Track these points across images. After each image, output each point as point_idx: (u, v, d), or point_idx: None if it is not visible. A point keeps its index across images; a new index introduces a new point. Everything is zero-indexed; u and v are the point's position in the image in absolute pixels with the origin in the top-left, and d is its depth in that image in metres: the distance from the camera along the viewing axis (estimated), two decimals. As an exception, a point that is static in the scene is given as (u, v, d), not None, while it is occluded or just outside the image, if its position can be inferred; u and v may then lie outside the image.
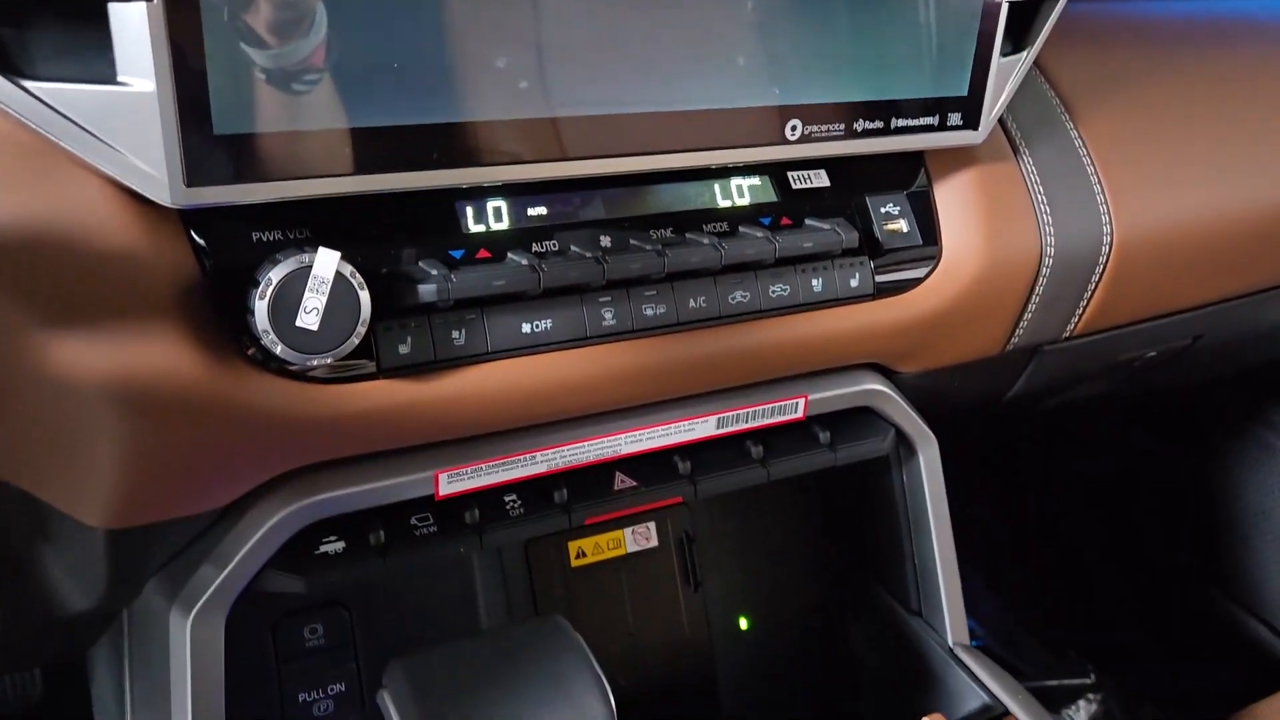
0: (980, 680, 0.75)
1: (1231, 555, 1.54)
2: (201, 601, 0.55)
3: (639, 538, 0.80)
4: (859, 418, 0.74)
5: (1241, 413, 1.49)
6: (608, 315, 0.58)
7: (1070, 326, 0.80)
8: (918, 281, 0.70)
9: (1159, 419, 1.56)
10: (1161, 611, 1.62)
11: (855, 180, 0.68)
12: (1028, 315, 0.76)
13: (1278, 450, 1.47)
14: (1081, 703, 1.39)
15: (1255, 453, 1.49)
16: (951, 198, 0.71)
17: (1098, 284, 0.77)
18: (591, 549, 0.78)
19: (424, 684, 0.50)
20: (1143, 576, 1.63)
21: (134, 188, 0.46)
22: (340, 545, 0.58)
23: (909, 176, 0.71)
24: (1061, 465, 1.66)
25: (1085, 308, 0.79)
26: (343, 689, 0.68)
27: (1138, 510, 1.63)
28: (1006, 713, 0.73)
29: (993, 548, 1.72)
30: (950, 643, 0.78)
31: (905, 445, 0.77)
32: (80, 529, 0.52)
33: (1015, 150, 0.74)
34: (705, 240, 0.60)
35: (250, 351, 0.50)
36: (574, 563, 0.78)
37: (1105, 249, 0.76)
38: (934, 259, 0.70)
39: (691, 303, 0.61)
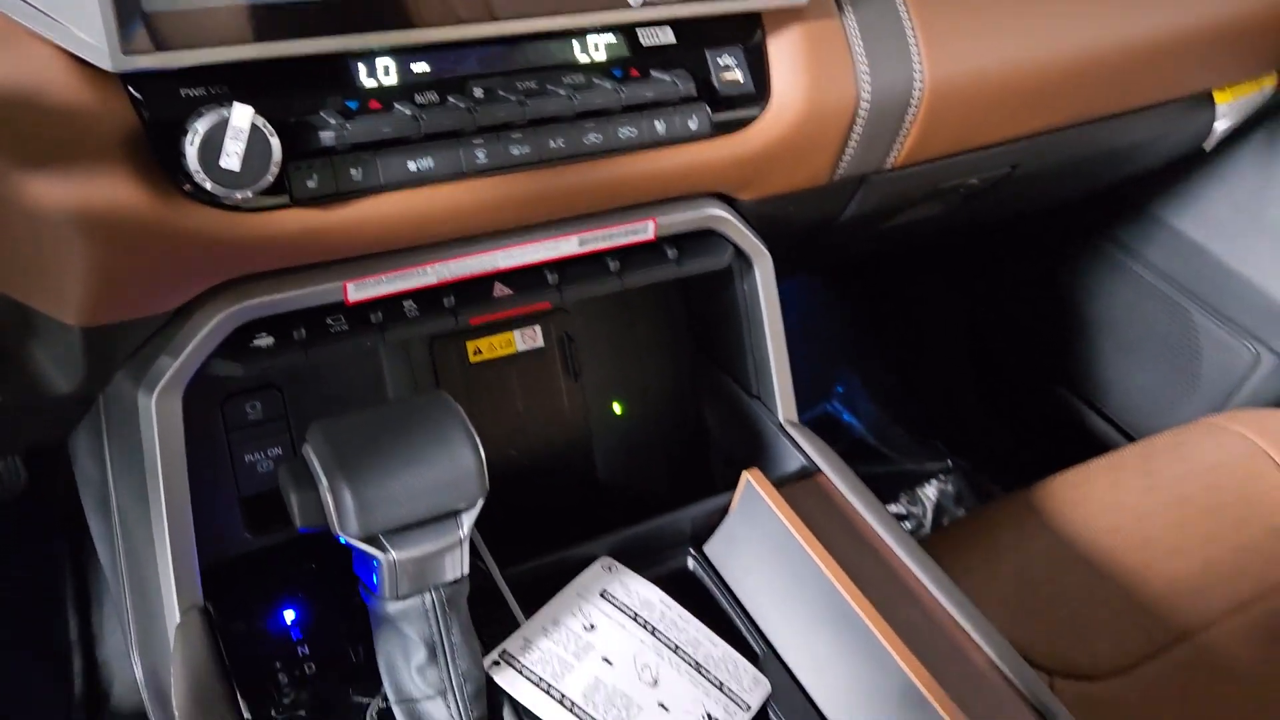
0: (801, 448, 0.94)
1: (1080, 359, 1.75)
2: (162, 383, 0.70)
3: (527, 339, 0.96)
4: (704, 238, 0.89)
5: (1094, 231, 1.66)
6: (480, 155, 0.72)
7: (890, 159, 0.95)
8: (749, 122, 0.83)
9: (1020, 239, 1.73)
10: (1016, 410, 1.84)
11: (698, 37, 0.81)
12: (849, 150, 0.90)
13: (1124, 265, 1.65)
14: (934, 480, 1.62)
15: (1105, 268, 1.68)
16: (782, 51, 0.84)
17: (912, 123, 0.91)
18: (487, 348, 0.94)
19: (337, 440, 0.65)
20: (1001, 379, 1.85)
21: (79, 54, 0.58)
22: (270, 340, 0.73)
23: (747, 33, 0.83)
24: (932, 281, 1.84)
25: (902, 143, 0.93)
26: (279, 451, 0.84)
27: (998, 320, 1.82)
28: (819, 470, 0.92)
29: (871, 356, 1.92)
30: (781, 419, 0.96)
31: (744, 260, 0.92)
32: (60, 327, 0.66)
33: (840, 8, 0.86)
34: (562, 91, 0.73)
35: (186, 187, 0.63)
36: (472, 359, 0.93)
37: (917, 93, 0.89)
38: (764, 103, 0.83)
39: (551, 143, 0.74)
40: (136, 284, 0.66)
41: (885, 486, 1.64)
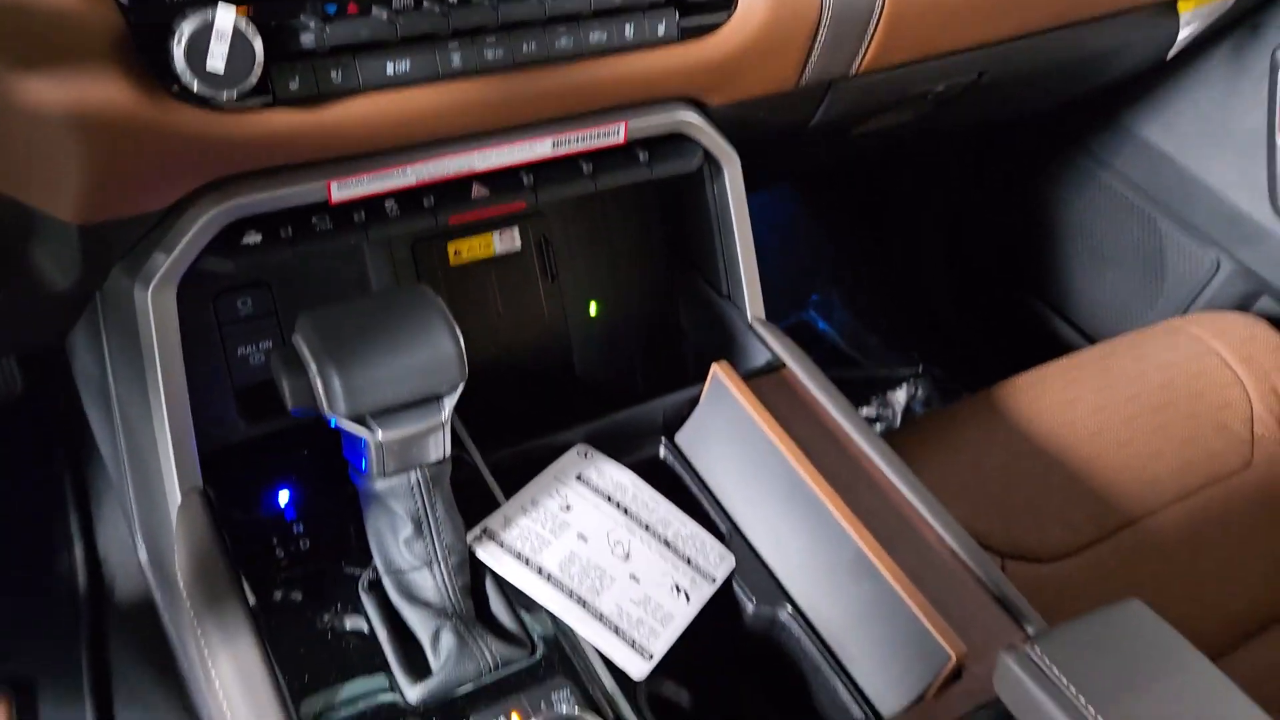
0: (768, 344, 0.98)
1: (1051, 268, 1.79)
2: (157, 278, 0.74)
3: (505, 241, 0.99)
4: (674, 142, 0.92)
5: (1066, 142, 1.69)
6: (455, 58, 0.75)
7: (856, 65, 0.97)
8: (716, 27, 0.86)
9: (994, 149, 1.76)
10: (987, 318, 1.89)
11: (666, -58, 0.83)
12: (814, 56, 0.93)
13: (1095, 175, 1.69)
14: (904, 385, 1.68)
15: (1077, 177, 1.71)
16: (748, -44, 0.86)
17: (875, 28, 0.94)
18: (466, 250, 0.98)
19: (325, 328, 0.69)
20: (974, 288, 1.89)
21: (67, -39, 0.61)
22: (258, 237, 0.77)
23: (714, -61, 0.85)
24: (907, 192, 1.87)
25: (867, 49, 0.96)
26: (269, 344, 0.88)
27: (972, 230, 1.86)
28: (784, 365, 0.97)
29: (847, 266, 1.96)
30: (750, 318, 1.00)
31: (713, 164, 0.96)
32: (59, 225, 0.69)
33: (805, -87, 0.88)
34: None
35: (174, 89, 0.66)
36: (452, 261, 0.97)
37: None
38: (730, 8, 0.86)
39: (524, 47, 0.77)
40: (129, 182, 0.69)
41: (857, 391, 1.69)
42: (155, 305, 0.75)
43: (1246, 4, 1.32)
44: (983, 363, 1.86)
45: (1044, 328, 1.82)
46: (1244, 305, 1.55)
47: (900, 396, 1.67)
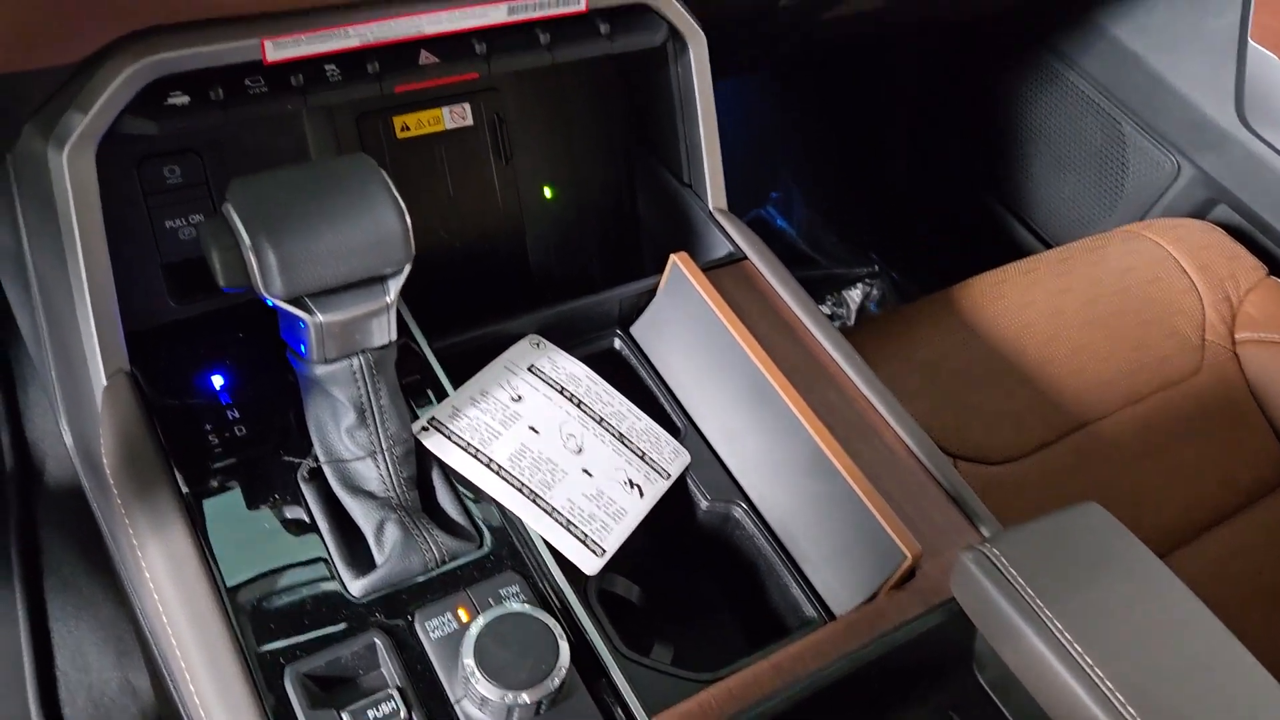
0: (729, 234, 0.95)
1: (1011, 169, 1.77)
2: (73, 139, 0.67)
3: (456, 116, 0.93)
4: (638, 15, 0.86)
5: (1034, 41, 1.65)
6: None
7: (826, -55, 0.92)
8: (687, -109, 0.80)
9: (962, 48, 1.71)
10: (947, 220, 1.87)
11: None
12: (784, -69, 0.87)
13: (1062, 76, 1.65)
14: (860, 284, 1.66)
15: (1041, 76, 1.67)
16: None
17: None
18: (414, 124, 0.92)
19: (259, 198, 0.64)
20: (940, 192, 1.86)
21: None
22: (185, 99, 0.70)
23: None
24: (874, 89, 1.82)
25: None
26: (200, 218, 0.83)
27: (938, 130, 1.82)
28: (745, 257, 0.94)
29: (808, 162, 1.92)
30: (710, 207, 0.96)
31: (678, 41, 0.90)
32: (-44, 76, 0.63)
33: None
34: None
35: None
36: (399, 135, 0.92)
37: None
38: None
39: (479, -101, 0.71)
40: (35, 28, 0.62)
41: (813, 289, 1.66)
42: (72, 168, 0.68)
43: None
44: (940, 265, 1.84)
45: (1002, 231, 1.80)
46: (1201, 213, 1.54)
47: (856, 295, 1.65)
